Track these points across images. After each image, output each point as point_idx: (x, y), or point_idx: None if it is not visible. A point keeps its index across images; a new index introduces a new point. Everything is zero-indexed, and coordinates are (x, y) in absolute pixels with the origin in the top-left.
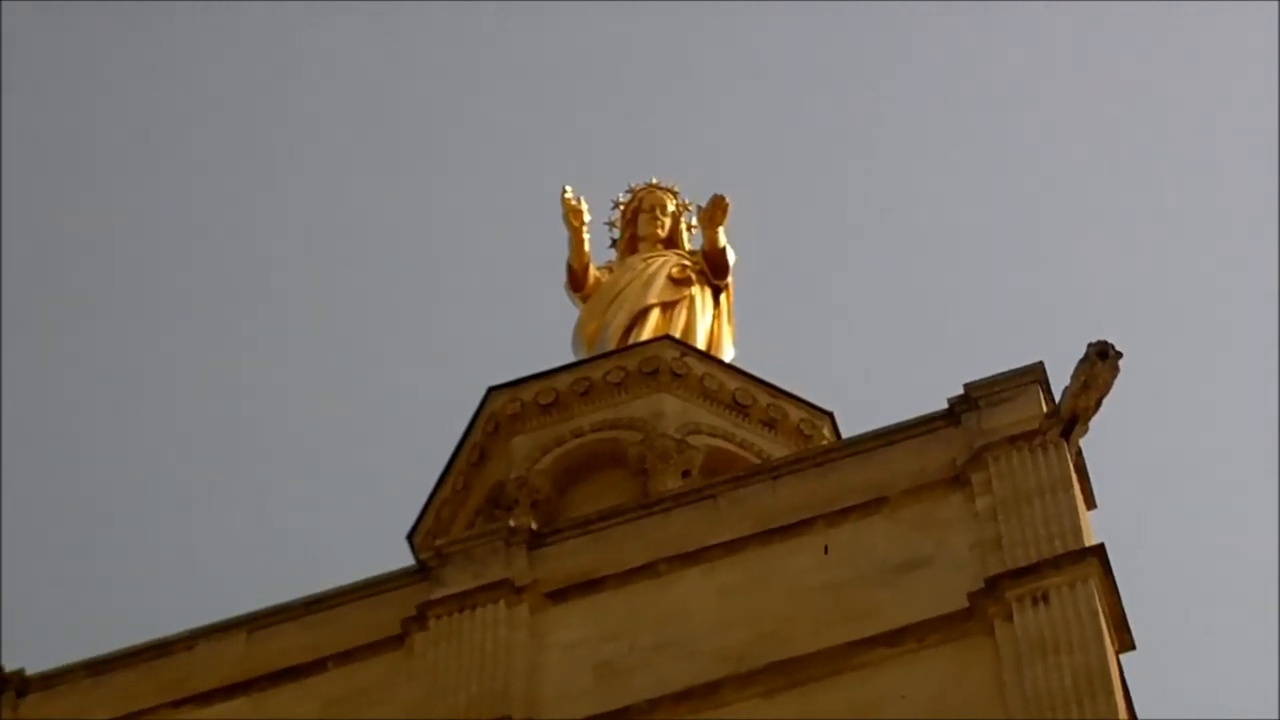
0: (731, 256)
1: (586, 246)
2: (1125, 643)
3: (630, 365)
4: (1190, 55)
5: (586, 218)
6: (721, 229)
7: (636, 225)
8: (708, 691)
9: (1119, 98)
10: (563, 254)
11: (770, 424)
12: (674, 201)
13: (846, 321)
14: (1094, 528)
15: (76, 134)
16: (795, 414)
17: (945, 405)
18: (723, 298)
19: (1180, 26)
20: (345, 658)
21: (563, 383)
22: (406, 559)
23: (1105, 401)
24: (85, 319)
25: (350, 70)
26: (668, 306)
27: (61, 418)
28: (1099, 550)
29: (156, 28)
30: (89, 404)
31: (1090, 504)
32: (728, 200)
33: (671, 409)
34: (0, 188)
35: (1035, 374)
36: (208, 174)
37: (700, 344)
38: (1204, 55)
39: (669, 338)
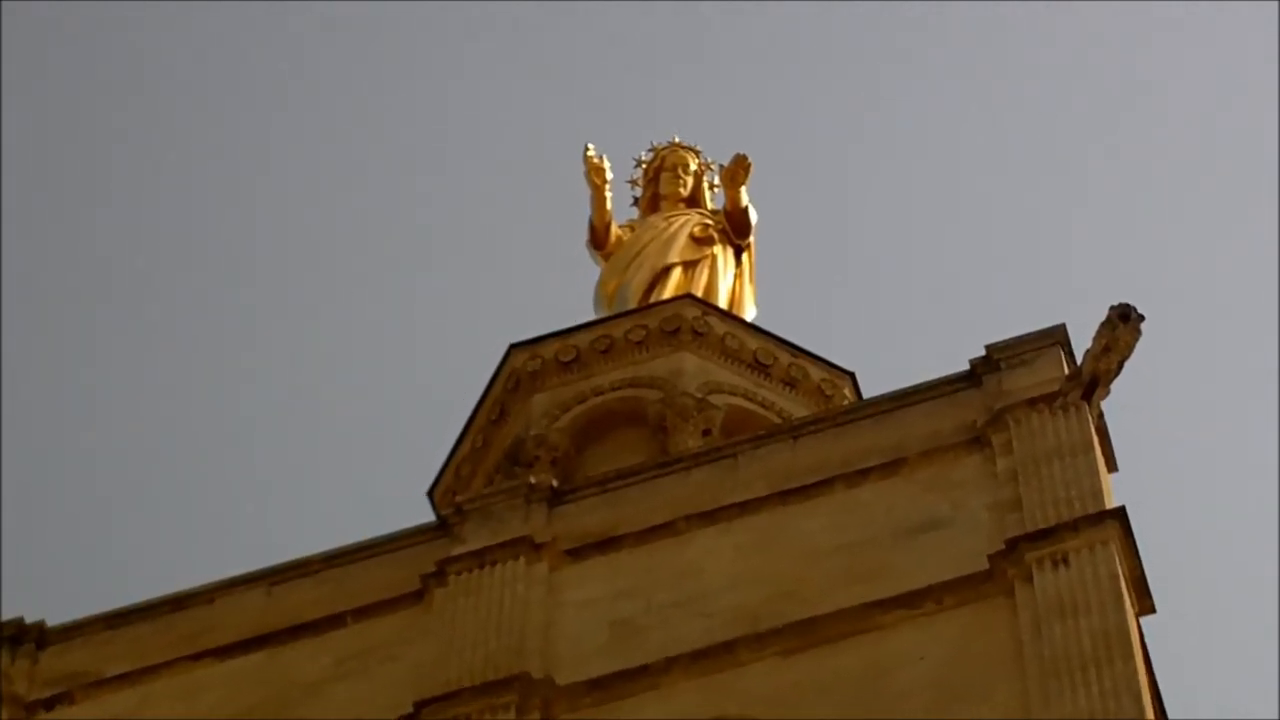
0: (754, 216)
1: (608, 205)
2: (1145, 606)
3: (651, 324)
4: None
5: (609, 176)
6: (744, 188)
7: (658, 184)
8: (723, 651)
9: (1133, 76)
10: (585, 212)
11: (791, 384)
12: (696, 160)
13: (869, 282)
14: (1115, 490)
15: (76, 134)
16: (816, 374)
17: (966, 366)
18: (745, 257)
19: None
20: (364, 613)
21: (583, 340)
22: (426, 515)
23: (1127, 364)
24: (88, 286)
25: (366, 22)
26: (689, 265)
27: (79, 366)
28: (1119, 513)
29: (156, 28)
30: (108, 352)
31: (1111, 467)
32: (750, 160)
33: (692, 367)
34: (0, 188)
35: (1057, 336)
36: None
37: (722, 303)
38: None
39: (690, 296)
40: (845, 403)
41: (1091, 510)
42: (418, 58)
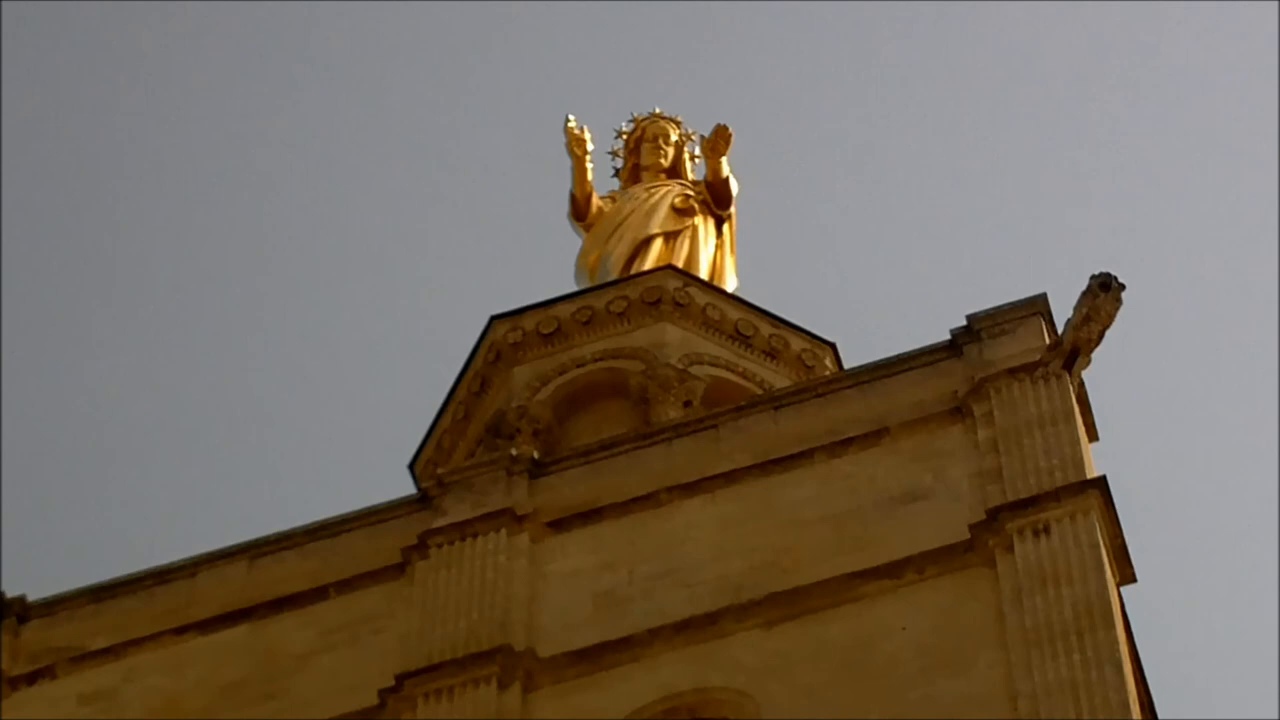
0: (734, 186)
1: (589, 176)
2: (1126, 575)
3: (632, 295)
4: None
5: (590, 147)
6: (724, 159)
7: (639, 155)
8: (707, 621)
9: (1125, 52)
10: (566, 183)
11: (772, 354)
12: (677, 131)
13: (849, 252)
14: (1096, 460)
15: (76, 134)
16: (797, 344)
17: (947, 336)
18: (725, 228)
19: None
20: (346, 585)
21: (565, 312)
22: (408, 487)
23: (1109, 334)
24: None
25: (350, 9)
26: (670, 236)
27: (63, 346)
28: (1100, 482)
29: (156, 28)
30: (91, 334)
31: (1092, 436)
32: (731, 130)
33: (673, 339)
34: (0, 188)
35: (1037, 305)
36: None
37: (703, 274)
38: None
39: (671, 267)
40: (826, 373)
41: (1073, 480)
42: (397, 33)
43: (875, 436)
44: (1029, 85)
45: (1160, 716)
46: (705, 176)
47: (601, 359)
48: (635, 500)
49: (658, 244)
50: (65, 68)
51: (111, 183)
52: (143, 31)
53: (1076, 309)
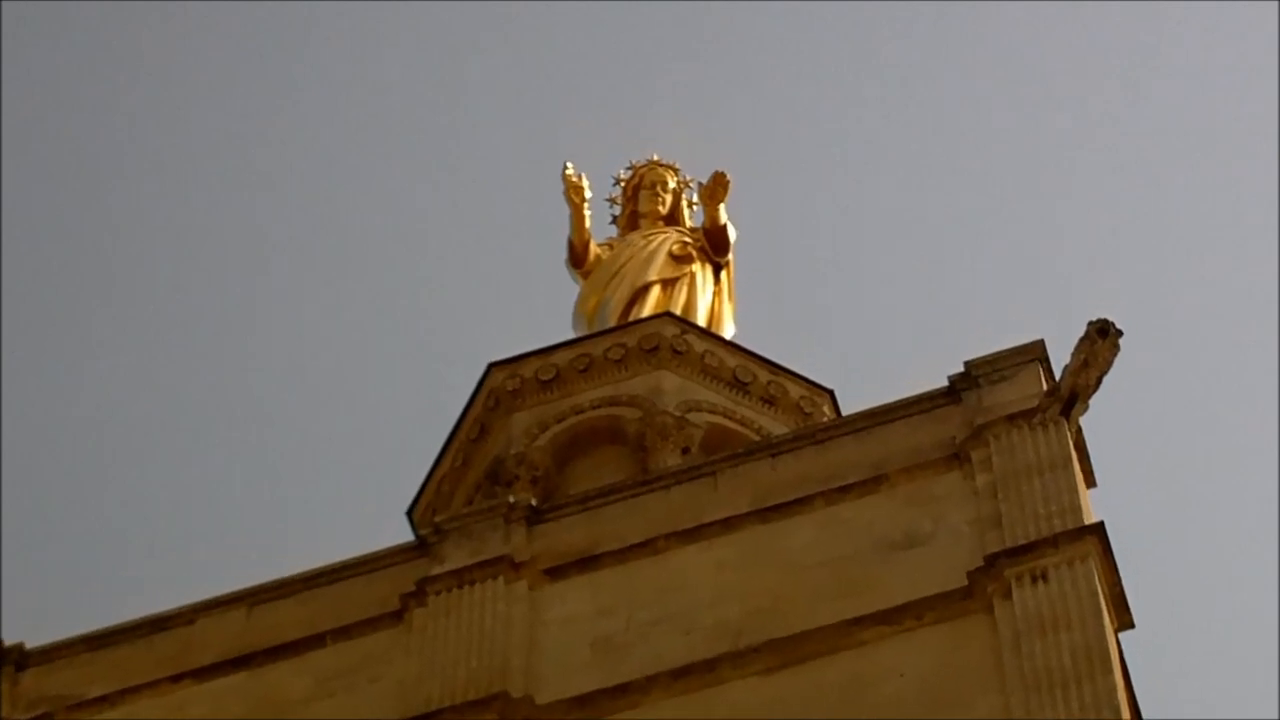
0: (732, 233)
1: (587, 223)
2: (1125, 621)
3: (630, 342)
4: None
5: (587, 194)
6: (722, 206)
7: (637, 202)
8: (705, 668)
9: (1120, 86)
10: (564, 230)
11: (770, 401)
12: (675, 178)
13: (847, 299)
14: (1094, 506)
15: (76, 134)
16: (795, 391)
17: (945, 383)
18: (723, 275)
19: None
20: (344, 633)
21: (563, 359)
22: (406, 534)
23: (1106, 380)
24: (84, 307)
25: (349, 45)
26: (668, 283)
27: (57, 392)
28: (1098, 528)
29: (156, 28)
30: (86, 379)
31: (1090, 482)
32: (729, 177)
33: (671, 386)
34: (0, 188)
35: (1035, 351)
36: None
37: (701, 321)
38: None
39: (669, 314)
40: (824, 420)
41: (1071, 526)
42: (396, 79)
43: (874, 483)
44: (1030, 133)
45: None
46: (703, 223)
47: (600, 406)
48: (633, 547)
49: (655, 291)
50: (65, 68)
51: (111, 183)
52: (143, 31)
53: (1074, 355)
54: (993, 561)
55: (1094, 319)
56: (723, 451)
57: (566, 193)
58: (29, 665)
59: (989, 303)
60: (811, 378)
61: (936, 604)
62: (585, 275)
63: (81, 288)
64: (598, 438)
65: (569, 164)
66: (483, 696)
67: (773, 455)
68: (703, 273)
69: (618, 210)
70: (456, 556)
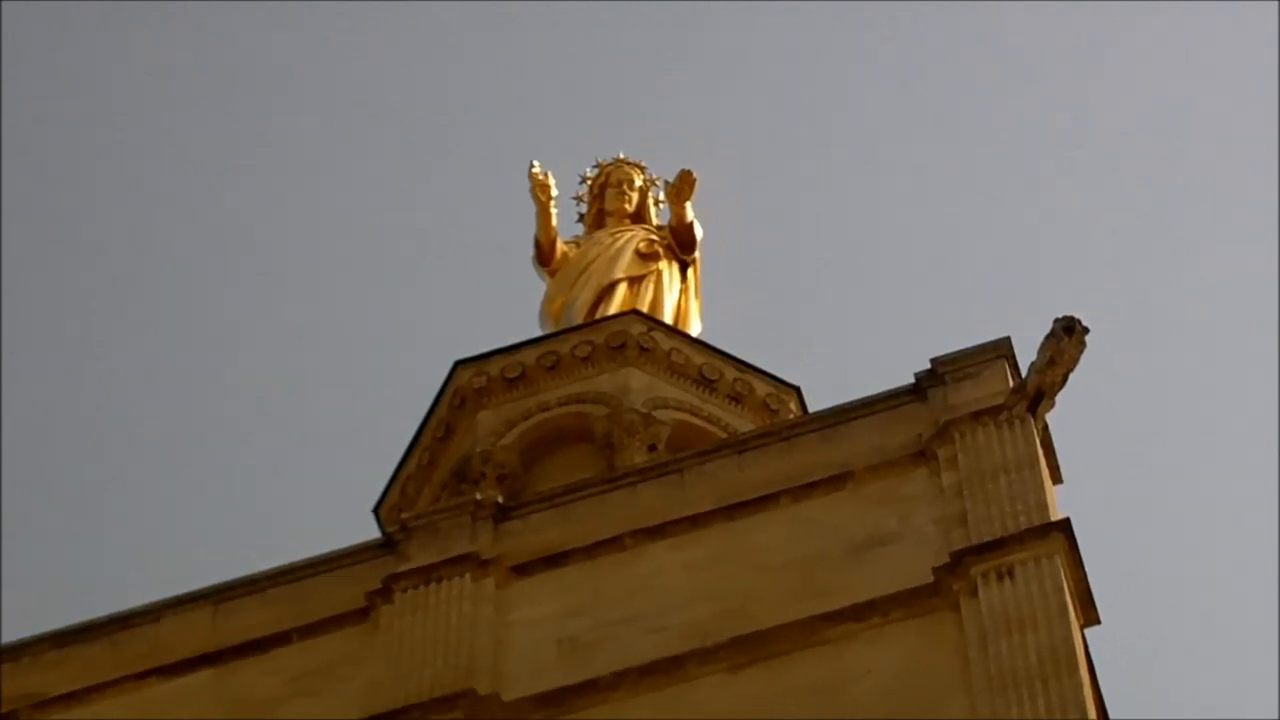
0: (699, 231)
1: (554, 221)
2: (1091, 618)
3: (597, 340)
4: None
5: (554, 192)
6: (689, 204)
7: (604, 200)
8: (672, 666)
9: (1087, 85)
10: (530, 229)
11: (737, 399)
12: (641, 176)
13: (814, 296)
14: (1060, 503)
15: (76, 134)
16: (762, 389)
17: (911, 380)
18: (690, 272)
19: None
20: (310, 631)
21: (529, 357)
22: (372, 532)
23: (1072, 377)
24: (77, 310)
25: (314, 47)
26: (635, 281)
27: (15, 393)
28: (1064, 525)
29: (156, 28)
30: (49, 372)
31: (1056, 479)
32: (695, 175)
33: (638, 383)
34: (0, 188)
35: (1001, 349)
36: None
37: (667, 318)
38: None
39: (636, 312)
40: (791, 417)
41: (1037, 523)
42: (361, 80)
43: (840, 480)
44: (997, 131)
45: None
46: (670, 221)
47: (566, 404)
48: (600, 545)
49: (622, 289)
50: (65, 68)
51: (111, 182)
52: (143, 31)
53: (1040, 352)
54: (959, 558)
55: (1060, 317)
56: (689, 449)
57: (533, 191)
58: None
59: (955, 300)
60: (778, 375)
61: (903, 602)
62: (552, 273)
63: (76, 292)
64: (564, 436)
65: (535, 162)
66: (449, 694)
67: (739, 453)
68: (669, 271)
69: (584, 208)
70: (423, 554)
